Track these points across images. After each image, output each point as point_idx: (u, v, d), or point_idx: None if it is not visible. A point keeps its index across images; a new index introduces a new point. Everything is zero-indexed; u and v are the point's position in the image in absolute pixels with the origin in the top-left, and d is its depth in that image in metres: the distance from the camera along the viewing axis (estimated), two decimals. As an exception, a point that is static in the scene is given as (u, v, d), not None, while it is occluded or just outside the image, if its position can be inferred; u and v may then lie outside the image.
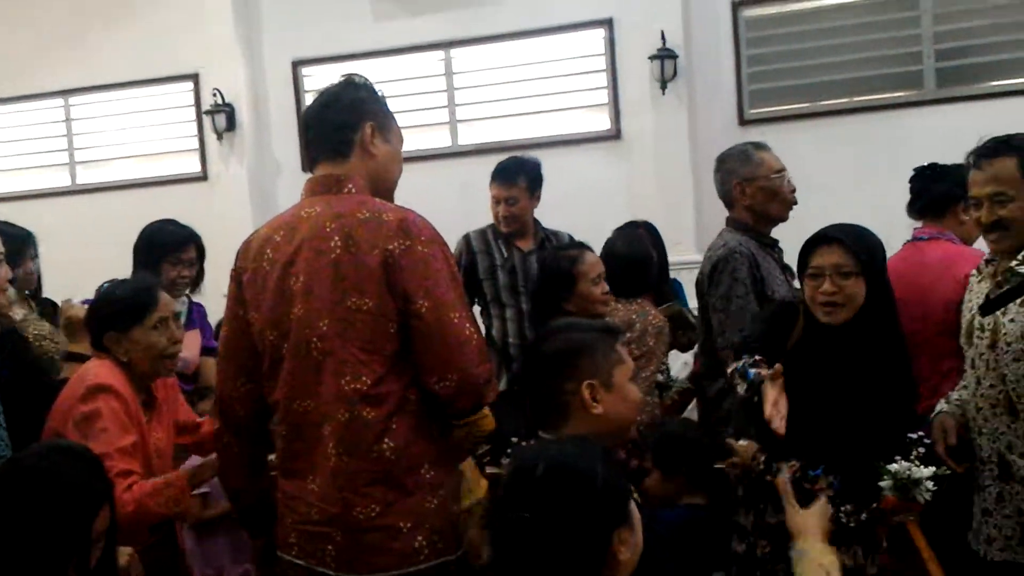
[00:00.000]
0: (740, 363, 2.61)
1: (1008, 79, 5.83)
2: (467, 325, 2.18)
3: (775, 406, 2.43)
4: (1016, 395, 2.55)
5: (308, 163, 2.36)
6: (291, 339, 2.18)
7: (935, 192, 3.42)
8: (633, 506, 1.67)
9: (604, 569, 1.58)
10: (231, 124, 6.89)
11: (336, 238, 2.15)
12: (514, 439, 2.34)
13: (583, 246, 3.46)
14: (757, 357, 2.59)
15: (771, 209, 3.44)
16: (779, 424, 2.40)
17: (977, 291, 2.74)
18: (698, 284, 3.54)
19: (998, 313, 2.58)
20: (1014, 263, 2.55)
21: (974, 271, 2.83)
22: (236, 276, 2.32)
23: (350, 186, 2.25)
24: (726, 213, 3.51)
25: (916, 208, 3.51)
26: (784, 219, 3.47)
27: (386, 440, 2.13)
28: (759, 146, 3.53)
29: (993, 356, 2.59)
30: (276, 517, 2.29)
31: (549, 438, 2.04)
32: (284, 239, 2.23)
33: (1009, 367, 2.55)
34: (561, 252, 3.42)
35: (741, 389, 2.59)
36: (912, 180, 3.53)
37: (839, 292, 2.50)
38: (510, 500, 1.61)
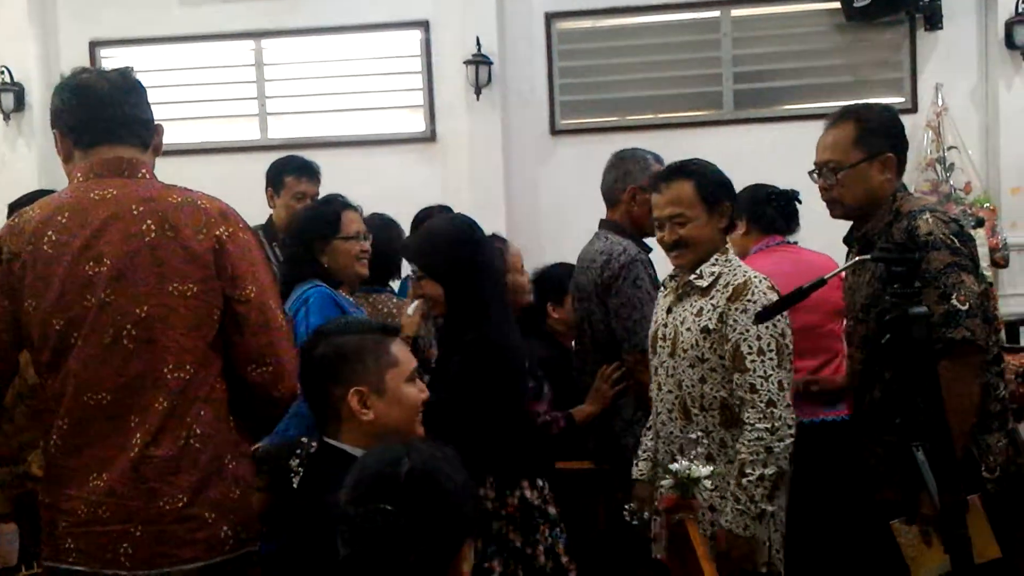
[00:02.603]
0: None
1: (799, 104, 6.21)
2: (280, 312, 2.20)
3: None
4: (691, 400, 2.76)
5: (85, 138, 2.15)
6: (87, 327, 2.04)
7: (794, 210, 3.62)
8: None
9: None
10: (20, 104, 6.44)
11: (149, 221, 2.06)
12: (304, 439, 2.29)
13: None
14: None
15: (648, 224, 3.38)
16: None
17: (662, 304, 2.94)
18: (581, 287, 3.42)
19: (678, 323, 2.80)
20: (692, 277, 2.77)
21: (663, 285, 3.01)
22: (2, 262, 2.10)
23: (143, 171, 2.16)
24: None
25: (794, 224, 3.64)
26: (652, 235, 3.48)
27: (195, 428, 2.08)
28: (659, 159, 3.54)
29: (672, 364, 2.80)
30: None
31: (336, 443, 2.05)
32: (73, 221, 2.07)
33: (685, 373, 2.76)
34: None
35: None
36: (791, 200, 3.59)
37: (422, 292, 2.90)
38: (369, 498, 1.52)
